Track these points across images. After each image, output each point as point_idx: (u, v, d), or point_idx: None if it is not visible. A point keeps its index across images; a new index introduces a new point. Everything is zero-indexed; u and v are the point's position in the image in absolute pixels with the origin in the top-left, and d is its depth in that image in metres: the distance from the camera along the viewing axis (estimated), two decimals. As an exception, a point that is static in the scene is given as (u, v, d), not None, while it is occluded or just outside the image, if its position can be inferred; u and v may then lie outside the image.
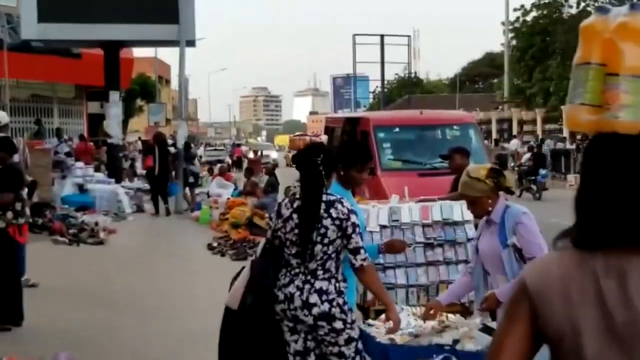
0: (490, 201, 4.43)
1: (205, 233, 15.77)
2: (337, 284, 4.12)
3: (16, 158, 7.57)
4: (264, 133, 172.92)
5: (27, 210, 7.34)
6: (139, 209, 18.84)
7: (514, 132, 42.87)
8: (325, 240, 4.08)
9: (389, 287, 7.31)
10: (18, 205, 7.14)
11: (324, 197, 4.13)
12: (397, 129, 13.53)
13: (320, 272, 4.11)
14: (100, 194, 17.44)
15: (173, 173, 18.94)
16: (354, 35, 75.53)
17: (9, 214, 7.06)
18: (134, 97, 46.21)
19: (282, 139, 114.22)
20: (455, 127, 13.43)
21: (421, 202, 7.68)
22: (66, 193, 17.33)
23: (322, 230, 4.07)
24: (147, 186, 20.05)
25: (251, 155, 45.62)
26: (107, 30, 19.41)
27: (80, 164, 19.20)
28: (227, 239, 14.71)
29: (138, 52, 35.96)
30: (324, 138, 8.39)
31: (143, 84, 47.30)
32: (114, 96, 20.27)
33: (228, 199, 18.30)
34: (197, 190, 26.03)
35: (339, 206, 4.10)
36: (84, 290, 9.67)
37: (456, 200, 7.42)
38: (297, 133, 62.23)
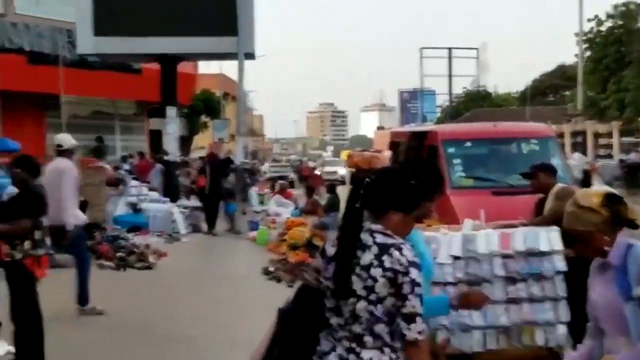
0: (605, 238, 3.32)
1: (262, 255, 14.87)
2: (392, 355, 3.03)
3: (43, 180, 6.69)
4: (330, 148, 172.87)
5: (48, 240, 6.47)
6: (195, 229, 18.07)
7: (589, 145, 41.00)
8: (372, 297, 2.98)
9: (463, 328, 6.24)
10: (37, 234, 6.29)
11: (379, 239, 3.05)
12: (468, 143, 12.32)
13: (368, 339, 3.02)
14: (154, 213, 16.68)
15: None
16: (421, 48, 74.85)
17: (27, 244, 6.21)
18: (198, 114, 46.02)
19: (348, 154, 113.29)
20: (533, 140, 12.16)
21: (500, 228, 6.56)
22: (119, 213, 16.64)
23: (369, 283, 2.98)
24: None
25: (316, 170, 44.51)
26: (164, 44, 18.83)
27: (135, 182, 18.57)
28: (284, 262, 13.77)
29: (203, 68, 35.65)
30: (387, 154, 7.40)
31: (207, 100, 47.07)
32: (171, 112, 19.61)
33: (287, 218, 17.38)
34: (258, 209, 25.37)
35: (396, 254, 2.99)
36: (120, 321, 8.83)
37: (542, 226, 6.33)
38: (357, 149, 59.53)
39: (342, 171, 46.40)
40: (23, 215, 6.17)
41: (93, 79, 25.69)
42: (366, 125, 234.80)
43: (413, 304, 2.96)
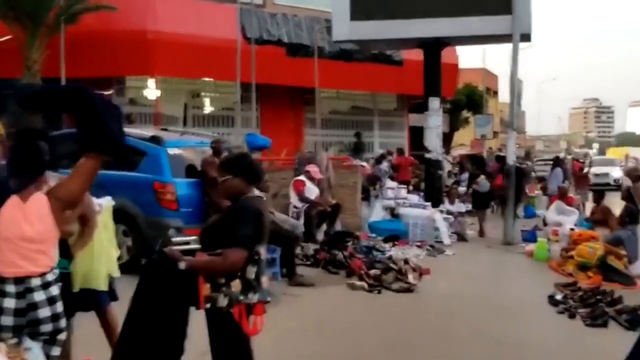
0: None
1: (543, 276, 12.25)
2: None
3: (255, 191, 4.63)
4: (595, 146, 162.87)
5: (265, 281, 4.44)
6: (460, 238, 15.73)
7: None
8: None
9: None
10: (251, 272, 4.30)
11: None
12: None
13: None
14: (414, 220, 14.54)
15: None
16: None
17: (235, 285, 4.23)
18: (459, 109, 43.78)
19: (615, 152, 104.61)
20: None
21: None
22: (375, 218, 14.73)
23: None
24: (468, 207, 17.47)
25: (588, 169, 39.05)
26: (426, 27, 16.62)
27: (392, 183, 16.61)
28: (574, 287, 11.02)
29: (464, 62, 33.11)
30: None
31: (470, 94, 44.53)
32: (434, 103, 17.32)
33: (571, 229, 14.48)
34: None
35: None
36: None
37: None
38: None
39: (617, 173, 39.14)
40: (230, 243, 4.21)
41: (352, 71, 24.25)
42: (634, 121, 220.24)
43: None
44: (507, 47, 16.51)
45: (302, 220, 12.54)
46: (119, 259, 6.15)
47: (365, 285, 10.07)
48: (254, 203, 4.44)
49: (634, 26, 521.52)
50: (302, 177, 13.21)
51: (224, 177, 4.47)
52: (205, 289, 4.23)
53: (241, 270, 4.25)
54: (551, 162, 48.89)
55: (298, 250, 11.71)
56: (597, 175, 38.99)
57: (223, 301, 4.24)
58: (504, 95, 75.64)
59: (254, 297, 4.30)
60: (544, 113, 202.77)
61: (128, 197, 9.79)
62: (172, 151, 10.08)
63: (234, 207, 4.45)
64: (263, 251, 4.38)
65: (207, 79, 23.54)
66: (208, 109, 24.39)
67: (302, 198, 12.85)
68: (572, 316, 9.27)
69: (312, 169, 13.34)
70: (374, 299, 9.68)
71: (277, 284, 10.05)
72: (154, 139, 10.18)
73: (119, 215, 9.88)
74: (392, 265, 11.10)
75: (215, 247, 4.26)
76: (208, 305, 4.24)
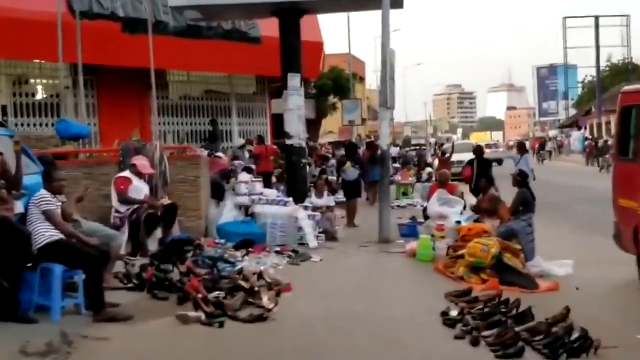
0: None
1: (430, 282, 10.11)
2: None
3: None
4: (459, 131, 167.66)
5: None
6: (330, 237, 13.36)
7: None
8: None
9: None
10: None
11: None
12: None
13: None
14: (273, 220, 11.98)
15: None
16: (565, 18, 71.01)
17: None
18: (326, 94, 41.65)
19: (478, 137, 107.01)
20: None
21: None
22: (225, 220, 12.07)
23: None
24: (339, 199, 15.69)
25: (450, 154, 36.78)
26: (282, -11, 14.15)
27: (246, 176, 13.98)
28: (470, 298, 8.84)
29: (330, 48, 30.73)
30: None
31: (337, 78, 42.53)
32: (294, 81, 14.73)
33: (458, 222, 12.37)
34: (402, 203, 20.78)
35: None
36: None
37: None
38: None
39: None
40: None
41: (203, 50, 21.31)
42: (494, 106, 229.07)
43: None
44: (374, 34, 14.26)
45: (126, 228, 9.77)
46: None
47: (203, 316, 7.36)
48: None
49: (491, 13, 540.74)
50: (126, 173, 10.42)
51: None
52: None
53: None
54: (423, 148, 47.11)
55: (120, 268, 8.96)
56: (454, 163, 36.10)
57: None
58: (371, 82, 74.73)
59: None
60: (409, 99, 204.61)
61: None
62: None
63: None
64: None
65: (35, 60, 20.13)
66: (36, 96, 20.92)
67: (124, 199, 10.06)
68: (475, 343, 7.00)
69: (140, 162, 10.58)
70: (212, 336, 6.94)
71: (78, 320, 7.24)
72: None
73: None
74: (241, 282, 8.51)
75: None
76: None
